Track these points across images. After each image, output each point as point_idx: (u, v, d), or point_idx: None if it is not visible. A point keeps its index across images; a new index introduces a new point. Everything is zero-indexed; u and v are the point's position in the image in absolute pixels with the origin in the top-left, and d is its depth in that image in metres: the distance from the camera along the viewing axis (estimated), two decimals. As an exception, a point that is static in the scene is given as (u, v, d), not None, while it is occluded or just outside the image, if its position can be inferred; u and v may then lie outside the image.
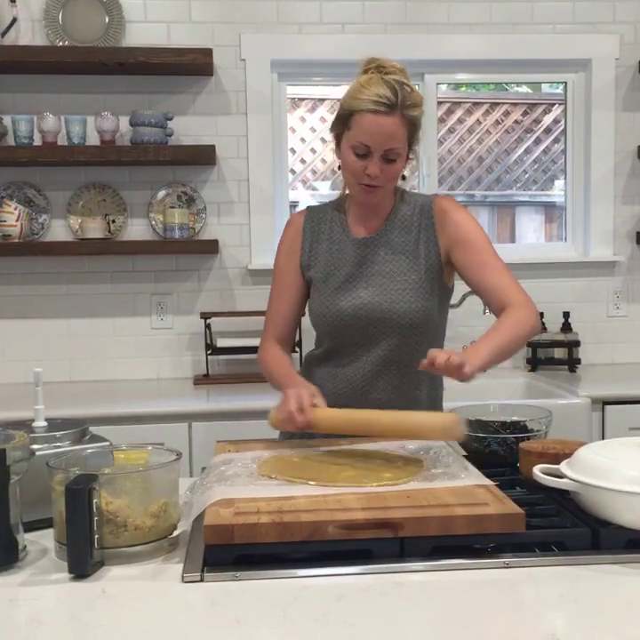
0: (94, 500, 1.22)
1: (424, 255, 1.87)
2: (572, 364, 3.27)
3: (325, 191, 5.03)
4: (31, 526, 1.37)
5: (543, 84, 4.95)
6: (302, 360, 1.96)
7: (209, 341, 3.16)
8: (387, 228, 1.90)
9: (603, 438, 2.71)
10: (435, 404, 1.99)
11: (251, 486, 1.39)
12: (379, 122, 1.74)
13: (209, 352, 3.16)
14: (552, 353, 3.33)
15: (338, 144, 1.84)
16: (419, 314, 1.86)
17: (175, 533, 1.33)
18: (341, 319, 1.87)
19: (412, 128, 1.79)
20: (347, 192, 1.94)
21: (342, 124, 1.79)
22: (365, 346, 1.88)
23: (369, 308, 1.85)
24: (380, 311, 1.84)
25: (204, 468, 1.59)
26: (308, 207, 2.03)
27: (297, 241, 1.95)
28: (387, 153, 1.76)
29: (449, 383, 3.18)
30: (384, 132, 1.74)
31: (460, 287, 3.31)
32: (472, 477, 1.42)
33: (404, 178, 1.90)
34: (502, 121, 5.05)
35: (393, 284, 1.86)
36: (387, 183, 1.83)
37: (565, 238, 3.58)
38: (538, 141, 5.02)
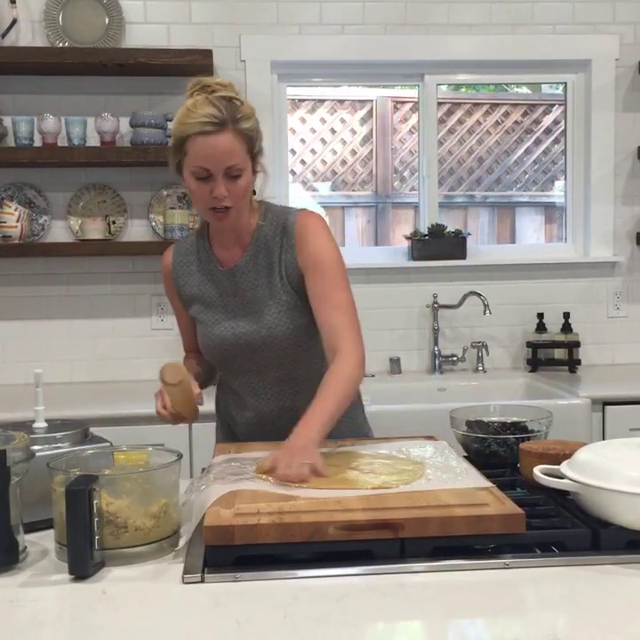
0: (95, 501, 1.22)
1: (287, 276, 1.81)
2: (573, 364, 3.27)
3: (325, 192, 5.03)
4: (32, 527, 1.37)
5: (543, 85, 4.94)
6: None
7: (209, 342, 3.15)
8: (251, 252, 1.83)
9: (603, 439, 2.71)
10: (357, 415, 1.97)
11: (248, 483, 1.40)
12: (211, 142, 1.66)
13: (209, 353, 3.15)
14: (552, 353, 3.33)
15: (181, 173, 1.75)
16: (299, 331, 1.81)
17: (181, 543, 1.32)
18: (225, 349, 1.84)
19: (250, 140, 1.71)
20: None
21: (178, 151, 1.72)
22: (257, 372, 1.85)
23: (249, 336, 1.81)
24: (260, 338, 1.81)
25: (203, 469, 1.59)
26: (175, 242, 1.99)
27: (170, 283, 1.93)
28: (228, 171, 1.69)
29: (447, 383, 3.21)
30: (219, 151, 1.67)
31: (459, 287, 3.33)
32: (472, 478, 1.42)
33: (254, 192, 1.84)
34: (502, 122, 5.05)
35: (267, 308, 1.81)
36: (237, 202, 1.73)
37: (565, 239, 3.58)
38: (538, 142, 5.01)
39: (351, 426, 1.92)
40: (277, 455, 1.48)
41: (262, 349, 1.82)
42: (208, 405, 2.83)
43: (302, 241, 1.80)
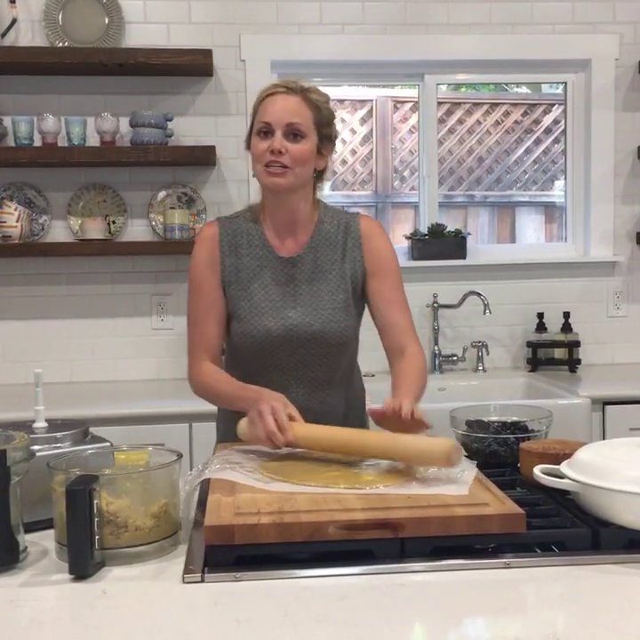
0: (95, 501, 1.22)
1: (350, 274, 1.84)
2: (573, 364, 3.27)
3: (325, 191, 5.02)
4: (32, 527, 1.37)
5: (543, 85, 4.94)
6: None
7: (209, 342, 3.15)
8: (312, 245, 1.84)
9: (603, 438, 2.71)
10: (360, 410, 1.98)
11: (250, 479, 1.42)
12: (278, 100, 1.74)
13: (209, 353, 3.15)
14: (552, 353, 3.33)
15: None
16: (348, 332, 1.83)
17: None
18: (270, 341, 1.79)
19: (317, 111, 1.76)
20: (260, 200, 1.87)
21: (252, 121, 1.79)
22: (294, 370, 1.82)
23: (300, 329, 1.79)
24: (311, 333, 1.79)
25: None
26: (217, 219, 1.91)
27: (215, 255, 1.83)
28: (289, 127, 1.72)
29: (447, 383, 3.21)
30: (284, 107, 1.73)
31: (459, 287, 3.33)
32: (470, 478, 1.41)
33: (321, 179, 1.86)
34: (502, 121, 5.04)
35: (322, 303, 1.81)
36: (295, 165, 1.73)
37: (565, 238, 3.58)
38: (538, 142, 5.01)
39: (357, 420, 1.94)
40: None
41: (310, 344, 1.80)
42: (208, 406, 2.82)
43: (370, 243, 1.86)
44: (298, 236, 1.85)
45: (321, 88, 1.83)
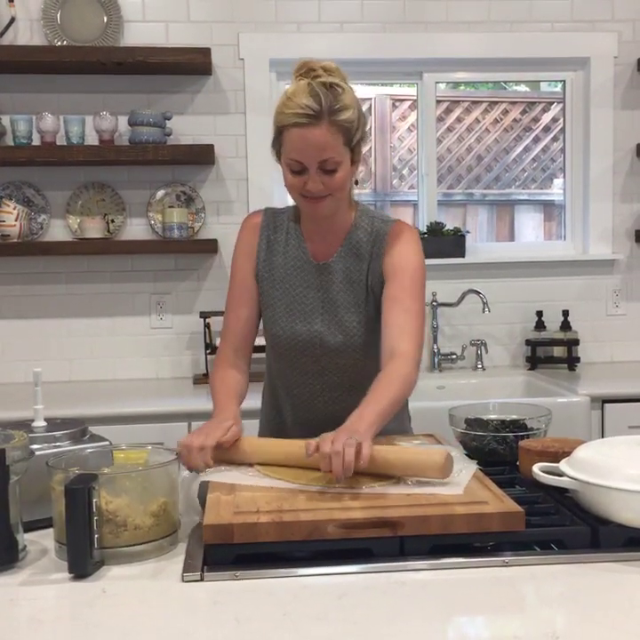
0: (94, 500, 1.22)
1: (371, 286, 1.79)
2: (572, 362, 3.27)
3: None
4: (31, 526, 1.37)
5: (542, 83, 4.93)
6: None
7: (208, 341, 3.16)
8: (342, 253, 1.80)
9: (602, 437, 2.72)
10: (402, 415, 1.92)
11: (247, 477, 1.43)
12: (305, 135, 1.62)
13: (208, 351, 3.16)
14: (551, 351, 3.33)
15: (281, 163, 1.73)
16: (372, 344, 1.79)
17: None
18: (296, 344, 1.79)
19: (347, 132, 1.66)
20: None
21: (276, 141, 1.70)
22: (319, 375, 1.82)
23: (325, 338, 1.78)
24: (335, 343, 1.78)
25: None
26: (266, 209, 1.90)
27: (253, 244, 1.85)
28: (322, 164, 1.65)
29: (447, 382, 3.21)
30: (312, 144, 1.63)
31: (458, 285, 3.33)
32: (466, 478, 1.40)
33: (357, 183, 1.79)
34: (501, 119, 5.04)
35: (348, 315, 1.78)
36: (334, 192, 1.69)
37: (564, 237, 3.58)
38: (537, 140, 5.01)
39: (395, 423, 1.87)
40: (325, 436, 1.39)
41: (333, 354, 1.79)
42: (207, 405, 2.82)
43: (392, 249, 1.78)
44: (331, 242, 1.81)
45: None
